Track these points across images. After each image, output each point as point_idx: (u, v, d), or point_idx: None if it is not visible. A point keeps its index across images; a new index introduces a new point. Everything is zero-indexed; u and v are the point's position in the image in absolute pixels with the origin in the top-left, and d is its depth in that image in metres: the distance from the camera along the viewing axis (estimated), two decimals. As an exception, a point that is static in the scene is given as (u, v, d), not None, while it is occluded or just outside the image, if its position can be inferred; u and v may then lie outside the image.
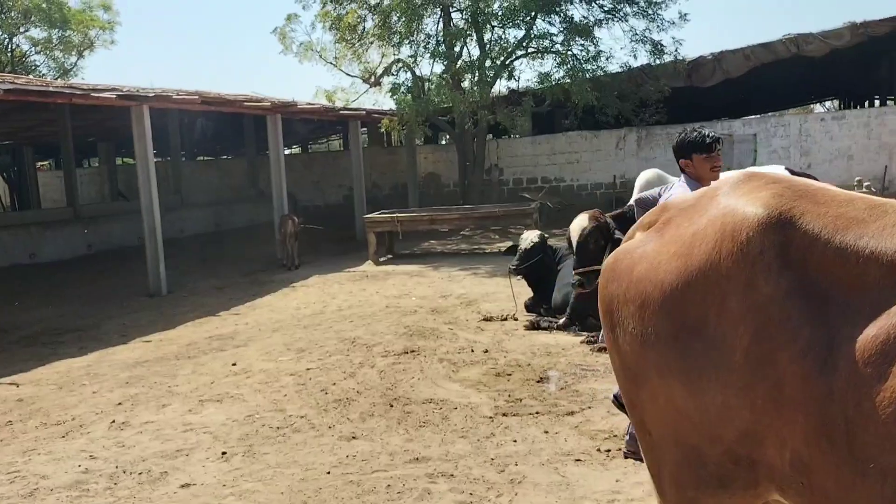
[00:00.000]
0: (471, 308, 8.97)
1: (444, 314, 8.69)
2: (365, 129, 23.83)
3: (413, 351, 6.99)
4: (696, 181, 3.95)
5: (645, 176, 5.82)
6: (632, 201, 5.63)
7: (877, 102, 26.23)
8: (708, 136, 3.97)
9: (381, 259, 14.09)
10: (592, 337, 6.94)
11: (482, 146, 18.70)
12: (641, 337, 1.84)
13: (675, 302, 1.79)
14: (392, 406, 5.46)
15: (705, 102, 21.96)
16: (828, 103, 34.77)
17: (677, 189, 4.01)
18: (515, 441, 4.67)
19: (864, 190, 11.29)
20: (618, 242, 5.40)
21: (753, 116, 22.93)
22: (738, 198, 1.82)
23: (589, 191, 19.69)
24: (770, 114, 25.71)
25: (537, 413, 5.16)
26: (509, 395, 5.58)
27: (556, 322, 7.58)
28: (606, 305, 2.02)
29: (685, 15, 16.77)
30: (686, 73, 17.90)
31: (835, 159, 17.45)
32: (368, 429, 5.03)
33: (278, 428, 5.13)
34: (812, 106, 35.39)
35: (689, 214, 1.92)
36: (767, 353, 1.62)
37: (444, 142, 23.11)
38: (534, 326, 7.63)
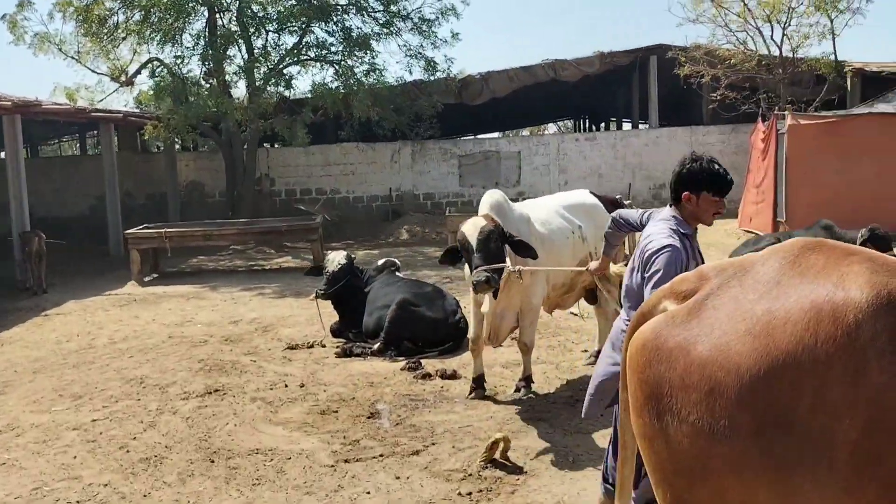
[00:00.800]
0: (269, 335, 8.33)
1: (241, 343, 7.97)
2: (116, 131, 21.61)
3: (218, 390, 6.28)
4: (687, 220, 3.47)
5: (494, 197, 5.58)
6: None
7: (613, 125, 29.15)
8: (727, 175, 3.42)
9: (147, 279, 12.77)
10: (413, 363, 6.71)
11: (253, 155, 17.78)
12: (710, 429, 1.59)
13: (756, 390, 1.56)
14: (213, 462, 4.79)
15: (475, 119, 22.89)
16: (559, 124, 37.92)
17: (658, 227, 3.45)
18: (369, 493, 4.28)
19: (627, 204, 12.24)
20: (515, 244, 5.14)
21: (518, 135, 24.35)
22: (822, 273, 1.63)
23: (365, 203, 19.55)
24: (527, 133, 27.49)
25: (381, 456, 4.80)
26: (344, 437, 5.15)
27: (369, 347, 7.25)
28: (651, 390, 1.73)
29: (457, 34, 17.29)
30: (457, 91, 18.46)
31: (588, 176, 18.98)
32: (193, 493, 4.34)
33: (78, 502, 4.25)
34: (545, 126, 38.39)
35: (752, 286, 1.69)
36: (881, 449, 1.44)
37: (206, 148, 21.65)
38: (346, 353, 7.22)
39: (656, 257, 3.28)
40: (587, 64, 18.84)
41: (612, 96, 23.72)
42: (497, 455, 4.59)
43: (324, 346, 7.63)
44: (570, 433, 5.07)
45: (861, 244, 10.27)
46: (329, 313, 8.13)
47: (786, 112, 13.80)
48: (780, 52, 16.54)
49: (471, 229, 5.13)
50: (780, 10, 16.13)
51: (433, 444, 4.98)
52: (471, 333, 6.00)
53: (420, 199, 19.44)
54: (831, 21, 16.26)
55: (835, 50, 16.68)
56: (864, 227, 10.33)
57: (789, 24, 16.41)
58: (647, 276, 3.30)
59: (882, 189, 12.91)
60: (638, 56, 19.03)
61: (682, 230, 3.40)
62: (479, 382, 5.89)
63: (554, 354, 7.03)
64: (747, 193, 15.50)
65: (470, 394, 5.86)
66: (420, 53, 17.28)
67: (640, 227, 3.78)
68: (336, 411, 5.68)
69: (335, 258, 7.83)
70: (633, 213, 4.03)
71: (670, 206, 3.55)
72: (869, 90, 16.67)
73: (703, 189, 3.38)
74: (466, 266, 5.41)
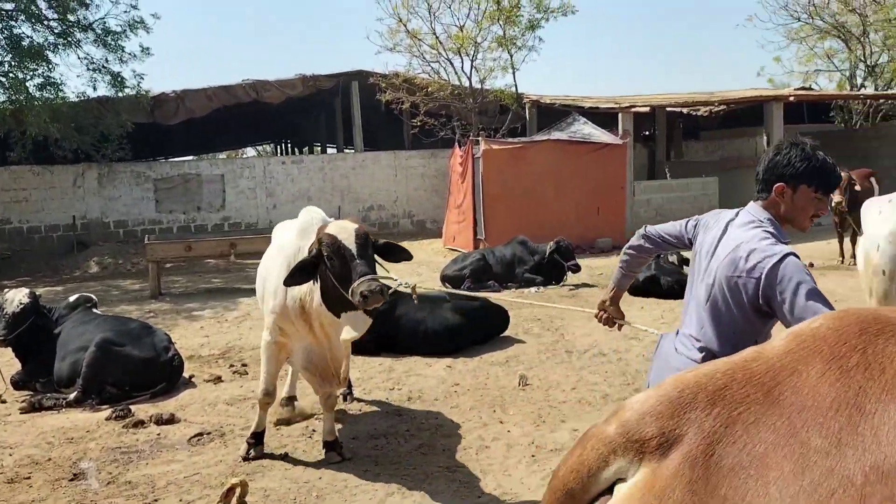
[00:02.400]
0: (-74, 394, 6.82)
1: None
2: None
3: None
4: (779, 222, 2.73)
5: (320, 212, 4.79)
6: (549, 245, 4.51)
7: (317, 149, 29.27)
8: (836, 168, 2.71)
9: None
10: (121, 410, 5.89)
11: None
12: None
13: None
14: None
15: (171, 139, 21.40)
16: (258, 148, 37.29)
17: (751, 233, 2.65)
18: (81, 572, 3.58)
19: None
20: (384, 248, 4.45)
21: (220, 157, 23.26)
22: None
23: (43, 233, 17.21)
24: (223, 156, 26.40)
25: (92, 524, 4.08)
26: (41, 509, 4.30)
27: (63, 398, 6.24)
28: None
29: (147, 49, 16.02)
30: (149, 109, 17.13)
31: (296, 200, 18.72)
32: None
33: None
34: (242, 150, 37.56)
35: (806, 418, 0.97)
36: None
37: None
38: (35, 407, 6.13)
39: (778, 268, 2.50)
40: (289, 86, 18.65)
41: (316, 120, 23.80)
42: (234, 502, 4.14)
43: (4, 401, 6.42)
44: (310, 467, 4.77)
45: (550, 254, 11.35)
46: (8, 362, 6.90)
47: (480, 138, 14.89)
48: (470, 83, 17.85)
49: (343, 233, 4.28)
50: (468, 44, 17.40)
51: (155, 500, 4.36)
52: (265, 384, 4.97)
53: (110, 228, 17.65)
54: (511, 56, 17.94)
55: (515, 83, 18.43)
56: (552, 241, 11.49)
57: (476, 58, 17.78)
58: (779, 294, 2.48)
59: (561, 206, 14.47)
60: (340, 80, 19.29)
61: (782, 240, 2.65)
62: (260, 438, 5.02)
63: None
64: (450, 213, 16.42)
65: (248, 451, 4.95)
66: (105, 67, 15.73)
67: (688, 242, 3.03)
68: (28, 478, 4.75)
69: (15, 297, 6.65)
70: (671, 227, 3.13)
71: (756, 201, 2.79)
72: (543, 120, 18.65)
73: (802, 181, 2.66)
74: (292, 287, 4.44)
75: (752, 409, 1.01)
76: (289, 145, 31.66)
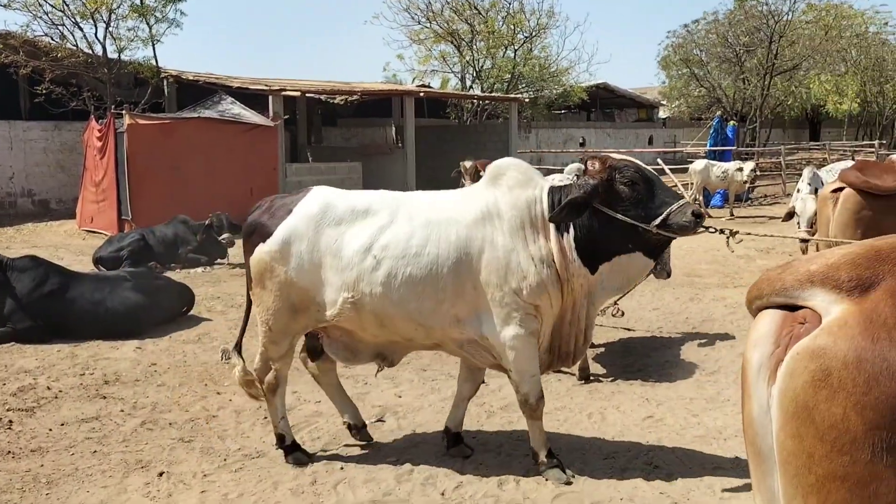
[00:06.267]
0: None
1: None
2: None
3: None
4: None
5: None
6: None
7: None
8: None
9: None
10: None
11: None
12: None
13: None
14: None
15: None
16: None
17: None
18: None
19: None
20: None
21: None
22: None
23: None
24: None
25: None
26: None
27: None
28: (881, 417, 1.35)
29: None
30: None
31: None
32: None
33: None
34: None
35: None
36: None
37: None
38: None
39: None
40: None
41: None
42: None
43: None
44: (33, 455, 4.41)
45: (205, 230, 11.00)
46: None
47: (124, 111, 13.97)
48: (105, 52, 16.52)
49: (635, 162, 3.75)
50: (101, 8, 16.08)
51: None
52: (538, 389, 3.89)
53: None
54: (150, 28, 17.02)
55: (155, 55, 17.51)
56: (207, 218, 11.24)
57: (112, 26, 16.52)
58: None
59: (213, 185, 14.26)
60: (-66, 35, 16.33)
61: None
62: (554, 455, 4.04)
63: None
64: (86, 192, 15.12)
65: (564, 477, 3.92)
66: None
67: None
68: None
69: None
70: None
71: None
72: (185, 97, 18.05)
73: None
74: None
75: None
76: None
